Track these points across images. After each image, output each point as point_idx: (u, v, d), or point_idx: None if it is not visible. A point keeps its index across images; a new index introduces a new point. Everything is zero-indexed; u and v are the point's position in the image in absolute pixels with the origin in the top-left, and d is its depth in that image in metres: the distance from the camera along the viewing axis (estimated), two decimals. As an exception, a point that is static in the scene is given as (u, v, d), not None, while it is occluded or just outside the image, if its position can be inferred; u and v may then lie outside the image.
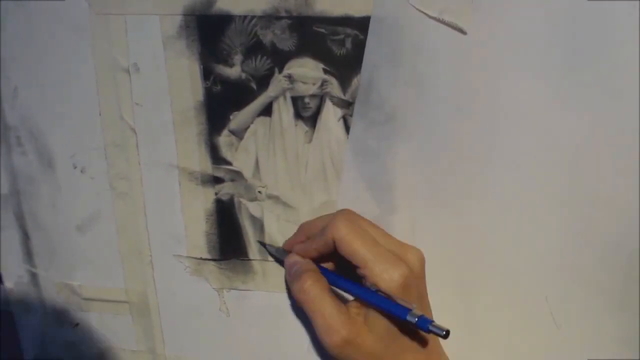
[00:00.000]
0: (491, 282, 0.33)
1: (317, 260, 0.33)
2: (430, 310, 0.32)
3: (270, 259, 0.36)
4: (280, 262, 0.35)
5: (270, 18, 0.31)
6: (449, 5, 0.29)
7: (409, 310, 0.28)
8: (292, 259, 0.33)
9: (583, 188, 0.30)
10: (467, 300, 0.34)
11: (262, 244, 0.36)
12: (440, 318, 0.30)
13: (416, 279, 0.31)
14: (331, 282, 0.32)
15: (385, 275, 0.29)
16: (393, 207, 0.33)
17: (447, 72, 0.30)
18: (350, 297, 0.32)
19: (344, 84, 0.32)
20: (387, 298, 0.29)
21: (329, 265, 0.33)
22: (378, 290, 0.29)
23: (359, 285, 0.31)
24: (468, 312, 0.34)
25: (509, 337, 0.34)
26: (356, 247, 0.30)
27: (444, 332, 0.27)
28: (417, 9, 0.29)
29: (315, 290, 0.31)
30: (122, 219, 0.37)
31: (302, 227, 0.34)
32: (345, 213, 0.32)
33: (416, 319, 0.28)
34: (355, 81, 0.31)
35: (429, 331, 0.28)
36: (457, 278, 0.34)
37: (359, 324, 0.30)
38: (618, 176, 0.30)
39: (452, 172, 0.32)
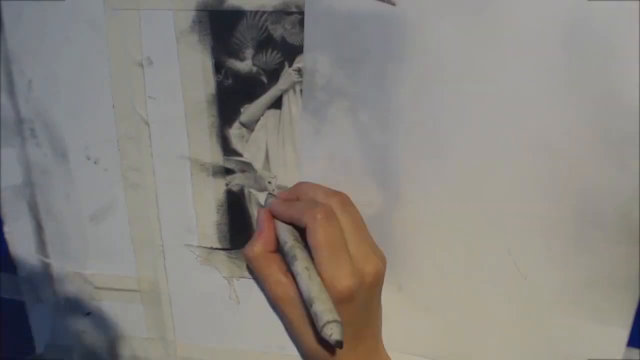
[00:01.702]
0: (460, 240, 0.34)
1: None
2: (379, 319, 0.34)
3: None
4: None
5: (280, 13, 0.32)
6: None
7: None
8: (262, 214, 0.34)
9: (537, 134, 0.31)
10: (440, 262, 0.35)
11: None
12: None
13: (366, 290, 0.32)
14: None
15: (332, 283, 0.30)
16: (397, 195, 0.34)
17: (380, 45, 0.31)
18: None
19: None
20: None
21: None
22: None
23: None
24: (441, 279, 0.35)
25: (478, 294, 0.35)
26: (319, 246, 0.31)
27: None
28: None
29: (260, 261, 0.34)
30: (135, 209, 0.38)
31: (297, 187, 0.35)
32: (336, 200, 0.32)
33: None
34: (363, 75, 0.32)
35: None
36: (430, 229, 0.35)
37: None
38: (574, 126, 0.30)
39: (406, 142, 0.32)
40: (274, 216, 0.34)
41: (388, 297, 0.35)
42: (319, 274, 0.31)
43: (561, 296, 0.33)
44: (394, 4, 0.30)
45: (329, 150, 0.34)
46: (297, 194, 0.34)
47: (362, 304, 0.32)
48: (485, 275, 0.34)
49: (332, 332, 0.29)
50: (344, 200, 0.33)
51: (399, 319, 0.36)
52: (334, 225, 0.31)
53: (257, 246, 0.34)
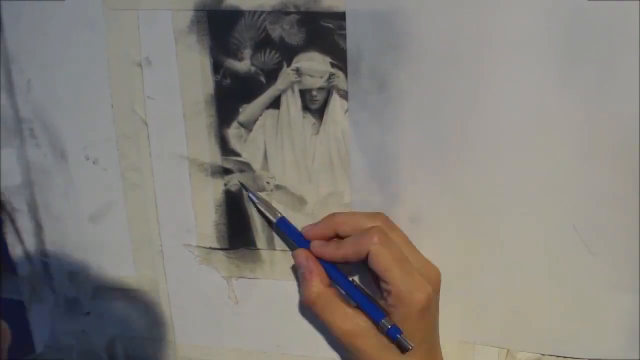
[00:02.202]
0: (515, 225, 0.33)
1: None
2: (437, 328, 0.34)
3: (278, 248, 0.37)
4: (269, 221, 0.36)
5: (279, 13, 0.32)
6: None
7: (383, 316, 0.31)
8: (304, 255, 0.33)
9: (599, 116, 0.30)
10: (493, 246, 0.34)
11: (277, 224, 0.35)
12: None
13: (435, 298, 0.32)
14: (334, 280, 0.34)
15: (411, 297, 0.31)
16: (397, 195, 0.34)
17: (432, 32, 0.30)
18: None
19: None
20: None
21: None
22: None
23: (364, 298, 0.33)
24: (495, 258, 0.34)
25: (547, 276, 0.33)
26: (388, 264, 0.31)
27: (410, 347, 0.31)
28: None
29: (323, 300, 0.33)
30: (134, 209, 0.38)
31: (333, 221, 0.34)
32: (381, 221, 0.32)
33: (388, 327, 0.31)
34: (361, 75, 0.32)
35: (397, 341, 0.31)
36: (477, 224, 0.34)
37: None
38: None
39: (446, 133, 0.32)
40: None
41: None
42: (397, 291, 0.31)
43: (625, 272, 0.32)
44: None
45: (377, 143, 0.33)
46: (331, 225, 0.33)
47: (434, 312, 0.33)
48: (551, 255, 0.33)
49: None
50: (387, 219, 0.33)
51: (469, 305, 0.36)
52: (393, 242, 0.32)
53: (315, 286, 0.33)
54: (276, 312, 0.38)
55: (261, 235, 0.37)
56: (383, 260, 0.31)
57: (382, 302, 0.32)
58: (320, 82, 0.33)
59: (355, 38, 0.31)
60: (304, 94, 0.33)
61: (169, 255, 0.38)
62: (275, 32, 0.32)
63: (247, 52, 0.33)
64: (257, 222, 0.37)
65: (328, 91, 0.33)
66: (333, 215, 0.34)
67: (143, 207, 0.37)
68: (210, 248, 0.38)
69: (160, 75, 0.34)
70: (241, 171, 0.36)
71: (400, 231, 0.33)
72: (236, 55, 0.33)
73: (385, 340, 0.32)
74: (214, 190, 0.36)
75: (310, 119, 0.34)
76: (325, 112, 0.34)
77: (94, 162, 0.37)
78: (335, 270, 0.34)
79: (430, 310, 0.32)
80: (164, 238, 0.38)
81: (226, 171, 0.36)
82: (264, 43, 0.33)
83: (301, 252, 0.34)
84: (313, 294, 0.33)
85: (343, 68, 0.32)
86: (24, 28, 0.35)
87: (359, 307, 0.33)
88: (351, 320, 0.32)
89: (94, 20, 0.34)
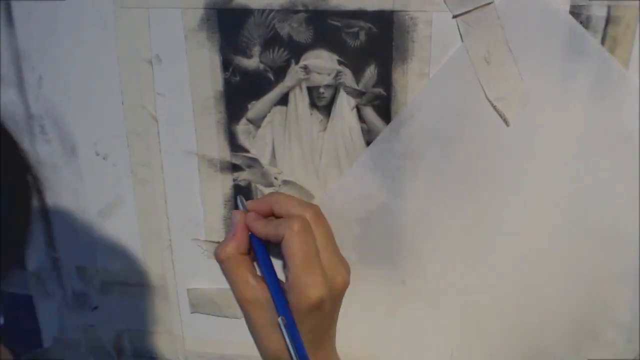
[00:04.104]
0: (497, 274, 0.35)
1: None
2: (334, 323, 0.36)
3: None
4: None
5: (287, 12, 0.32)
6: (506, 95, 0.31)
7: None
8: (238, 217, 0.35)
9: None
10: (473, 288, 0.36)
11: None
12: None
13: (331, 299, 0.34)
14: (254, 249, 0.35)
15: (303, 291, 0.32)
16: (402, 192, 0.35)
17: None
18: None
19: (358, 74, 0.33)
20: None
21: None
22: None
23: (271, 276, 0.34)
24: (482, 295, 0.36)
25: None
26: (294, 254, 0.32)
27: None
28: (482, 88, 0.31)
29: (232, 262, 0.35)
30: (143, 204, 0.38)
31: (271, 198, 0.35)
32: (310, 213, 0.34)
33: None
34: (368, 72, 0.33)
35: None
36: (465, 259, 0.36)
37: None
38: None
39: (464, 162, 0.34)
40: (249, 229, 0.35)
41: (392, 291, 0.36)
42: (293, 280, 0.32)
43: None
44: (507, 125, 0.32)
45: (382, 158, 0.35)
46: (269, 203, 0.35)
47: (328, 312, 0.34)
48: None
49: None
50: (318, 212, 0.34)
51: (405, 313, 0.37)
52: (310, 236, 0.33)
53: (230, 247, 0.35)
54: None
55: (269, 230, 0.37)
56: (291, 248, 0.32)
57: (283, 282, 0.34)
58: (327, 80, 0.34)
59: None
60: (312, 91, 0.34)
61: (178, 250, 0.39)
62: (284, 30, 0.33)
63: (256, 50, 0.34)
64: (264, 217, 0.37)
65: (335, 88, 0.34)
66: (273, 194, 0.36)
67: (152, 202, 0.38)
68: (219, 242, 0.38)
69: (170, 73, 0.35)
70: (249, 167, 0.36)
71: (327, 227, 0.35)
72: (245, 52, 0.34)
73: (275, 316, 0.33)
74: (222, 186, 0.37)
75: (318, 116, 0.35)
76: (332, 109, 0.34)
77: (104, 158, 0.38)
78: (258, 242, 0.35)
79: (321, 310, 0.33)
80: (172, 233, 0.38)
81: (235, 167, 0.36)
82: (272, 41, 0.33)
83: (236, 214, 0.35)
84: (223, 253, 0.35)
85: (350, 66, 0.33)
86: (35, 25, 0.36)
87: (265, 280, 0.34)
88: (250, 290, 0.34)
89: (104, 17, 0.34)
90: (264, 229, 0.34)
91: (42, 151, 0.38)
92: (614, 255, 0.34)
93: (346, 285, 0.35)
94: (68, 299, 0.42)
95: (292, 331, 0.32)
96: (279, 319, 0.32)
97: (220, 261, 0.35)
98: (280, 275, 0.35)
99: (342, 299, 0.35)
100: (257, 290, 0.34)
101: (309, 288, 0.32)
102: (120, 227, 0.39)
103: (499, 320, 0.36)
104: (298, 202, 0.35)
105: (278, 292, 0.34)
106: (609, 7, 0.30)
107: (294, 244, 0.32)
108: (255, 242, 0.35)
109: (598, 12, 0.30)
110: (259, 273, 0.35)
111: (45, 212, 0.40)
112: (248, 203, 0.36)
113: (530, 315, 0.36)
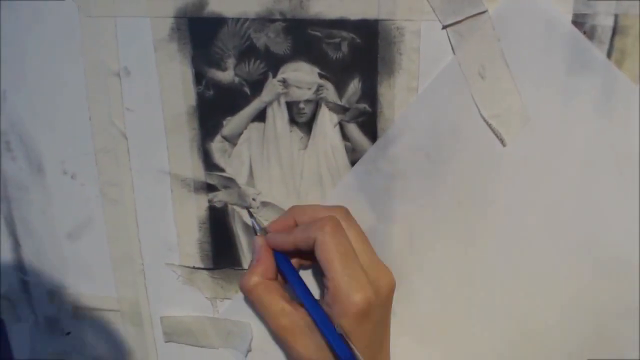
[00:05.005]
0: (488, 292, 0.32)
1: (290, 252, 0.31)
2: (388, 336, 0.31)
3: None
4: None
5: (263, 21, 0.30)
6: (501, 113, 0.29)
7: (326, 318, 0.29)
8: (259, 243, 0.32)
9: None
10: (467, 310, 0.33)
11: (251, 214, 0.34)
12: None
13: (379, 305, 0.30)
14: (285, 278, 0.32)
15: (348, 297, 0.28)
16: (390, 216, 0.32)
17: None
18: None
19: (340, 89, 0.31)
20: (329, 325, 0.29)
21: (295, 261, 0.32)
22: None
23: (307, 296, 0.30)
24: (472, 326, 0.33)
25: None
26: (331, 256, 0.28)
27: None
28: (476, 105, 0.29)
29: (260, 291, 0.31)
30: (113, 226, 0.36)
31: (292, 212, 0.32)
32: (339, 214, 0.30)
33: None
34: (351, 86, 0.30)
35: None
36: (457, 285, 0.33)
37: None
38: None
39: (454, 183, 0.31)
40: (273, 248, 0.32)
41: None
42: (334, 287, 0.28)
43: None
44: (504, 145, 0.30)
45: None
46: (292, 216, 0.32)
47: (377, 320, 0.30)
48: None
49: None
50: (347, 213, 0.31)
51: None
52: (344, 236, 0.29)
53: (255, 275, 0.31)
54: (263, 335, 0.36)
55: (247, 254, 0.35)
56: (327, 251, 0.28)
57: (321, 301, 0.30)
58: (308, 94, 0.31)
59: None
60: (291, 106, 0.31)
61: (151, 274, 0.36)
62: (260, 40, 0.30)
63: (231, 62, 0.31)
64: (242, 240, 0.35)
65: (316, 103, 0.31)
66: (293, 207, 0.32)
67: (123, 224, 0.36)
68: (194, 267, 0.36)
69: (139, 86, 0.33)
70: (225, 187, 0.34)
71: (358, 228, 0.31)
72: (219, 65, 0.31)
73: (320, 341, 0.29)
74: (197, 207, 0.34)
75: (298, 133, 0.32)
76: (313, 126, 0.32)
77: (72, 177, 0.35)
78: (286, 263, 0.31)
79: (370, 318, 0.29)
80: (145, 256, 0.36)
81: (210, 187, 0.34)
82: (248, 52, 0.31)
83: (258, 239, 0.32)
84: (250, 282, 0.31)
85: (332, 79, 0.30)
86: (-1, 36, 0.34)
87: (302, 304, 0.30)
88: (287, 317, 0.30)
89: (69, 27, 0.32)
90: (290, 237, 0.30)
91: (8, 169, 0.36)
92: (619, 287, 0.31)
93: (393, 287, 0.31)
94: (40, 323, 0.40)
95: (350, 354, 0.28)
96: (336, 328, 0.28)
97: (247, 292, 0.31)
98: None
99: (390, 304, 0.31)
100: (295, 315, 0.30)
101: (353, 293, 0.28)
102: (91, 250, 0.37)
103: (495, 356, 0.33)
104: (324, 206, 0.31)
105: (319, 311, 0.29)
106: (616, 16, 0.27)
107: (329, 246, 0.28)
108: (282, 262, 0.31)
109: (604, 21, 0.27)
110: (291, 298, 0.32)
111: (14, 233, 0.38)
112: (268, 225, 0.33)
113: (529, 351, 0.33)
